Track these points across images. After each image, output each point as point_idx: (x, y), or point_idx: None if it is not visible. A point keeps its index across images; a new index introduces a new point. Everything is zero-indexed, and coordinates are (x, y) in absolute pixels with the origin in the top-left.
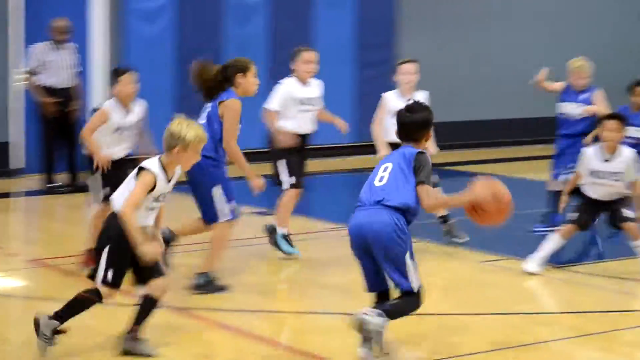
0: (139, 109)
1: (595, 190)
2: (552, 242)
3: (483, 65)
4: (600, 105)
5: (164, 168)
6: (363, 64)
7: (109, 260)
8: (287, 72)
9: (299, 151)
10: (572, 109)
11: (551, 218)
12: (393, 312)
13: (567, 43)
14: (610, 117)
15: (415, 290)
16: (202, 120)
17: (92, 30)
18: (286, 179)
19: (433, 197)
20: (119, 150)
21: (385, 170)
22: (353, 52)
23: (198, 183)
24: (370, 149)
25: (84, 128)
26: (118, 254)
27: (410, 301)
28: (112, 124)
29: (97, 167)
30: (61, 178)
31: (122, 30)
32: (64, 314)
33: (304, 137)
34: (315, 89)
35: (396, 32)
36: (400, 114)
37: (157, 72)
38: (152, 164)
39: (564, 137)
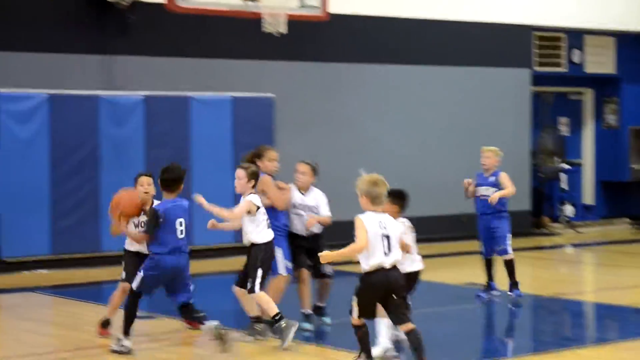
0: None
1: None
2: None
3: (360, 165)
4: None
5: None
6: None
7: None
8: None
9: None
10: (485, 191)
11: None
12: None
13: (442, 139)
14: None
15: None
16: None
17: None
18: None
19: None
20: None
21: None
22: (231, 152)
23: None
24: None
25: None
26: None
27: None
28: None
29: None
30: None
31: None
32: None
33: None
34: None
35: (274, 133)
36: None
37: (32, 173)
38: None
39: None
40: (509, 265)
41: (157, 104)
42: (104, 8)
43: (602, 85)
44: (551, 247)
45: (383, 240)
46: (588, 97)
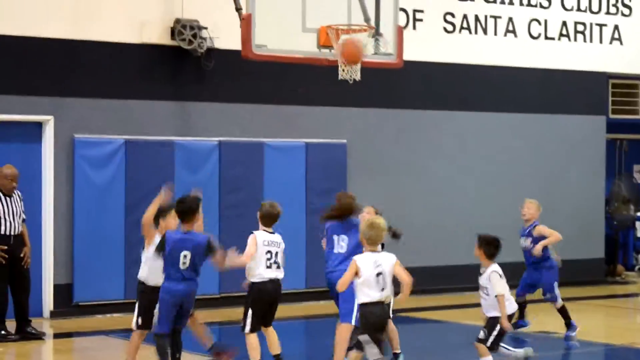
0: None
1: None
2: None
3: (431, 211)
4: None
5: None
6: (312, 210)
7: None
8: (236, 216)
9: None
10: (523, 242)
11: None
12: None
13: (515, 187)
14: None
15: None
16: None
17: (45, 176)
18: None
19: None
20: None
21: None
22: (304, 197)
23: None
24: (319, 295)
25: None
26: None
27: None
28: None
29: None
30: (11, 326)
31: (72, 176)
32: None
33: None
34: None
35: (347, 179)
36: None
37: (107, 218)
38: None
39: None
40: (562, 311)
41: (232, 150)
42: (181, 55)
43: None
44: (625, 296)
45: (378, 278)
46: None
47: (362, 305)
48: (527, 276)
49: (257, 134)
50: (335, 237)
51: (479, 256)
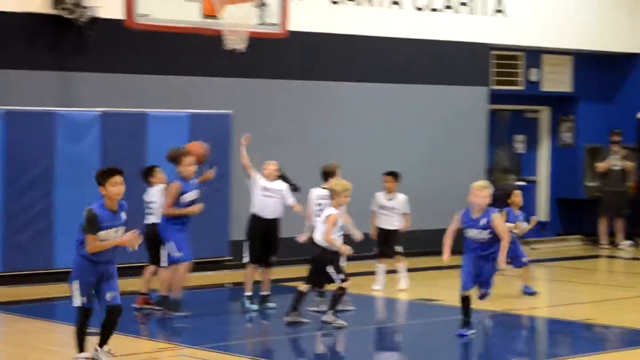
0: None
1: None
2: None
3: (318, 182)
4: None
5: None
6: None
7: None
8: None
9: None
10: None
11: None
12: None
13: (401, 157)
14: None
15: None
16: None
17: None
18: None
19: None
20: None
21: None
22: None
23: None
24: None
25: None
26: None
27: None
28: None
29: None
30: None
31: None
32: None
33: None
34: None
35: (232, 150)
36: None
37: None
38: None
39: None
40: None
41: (114, 121)
42: (62, 25)
43: (559, 103)
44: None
45: None
46: (544, 115)
47: None
48: None
49: (140, 105)
50: None
51: None
